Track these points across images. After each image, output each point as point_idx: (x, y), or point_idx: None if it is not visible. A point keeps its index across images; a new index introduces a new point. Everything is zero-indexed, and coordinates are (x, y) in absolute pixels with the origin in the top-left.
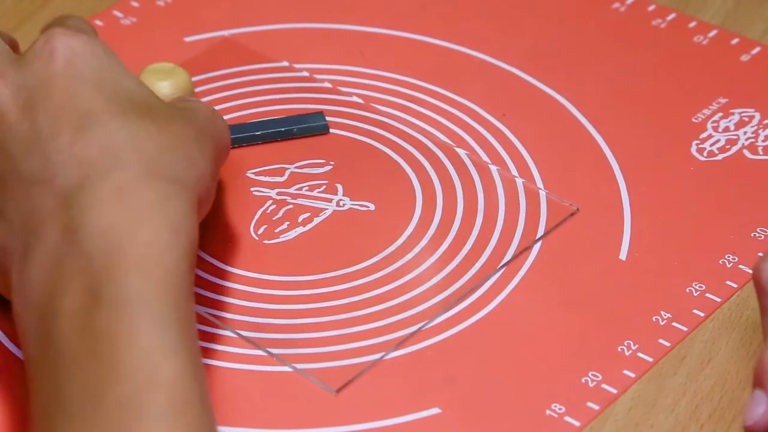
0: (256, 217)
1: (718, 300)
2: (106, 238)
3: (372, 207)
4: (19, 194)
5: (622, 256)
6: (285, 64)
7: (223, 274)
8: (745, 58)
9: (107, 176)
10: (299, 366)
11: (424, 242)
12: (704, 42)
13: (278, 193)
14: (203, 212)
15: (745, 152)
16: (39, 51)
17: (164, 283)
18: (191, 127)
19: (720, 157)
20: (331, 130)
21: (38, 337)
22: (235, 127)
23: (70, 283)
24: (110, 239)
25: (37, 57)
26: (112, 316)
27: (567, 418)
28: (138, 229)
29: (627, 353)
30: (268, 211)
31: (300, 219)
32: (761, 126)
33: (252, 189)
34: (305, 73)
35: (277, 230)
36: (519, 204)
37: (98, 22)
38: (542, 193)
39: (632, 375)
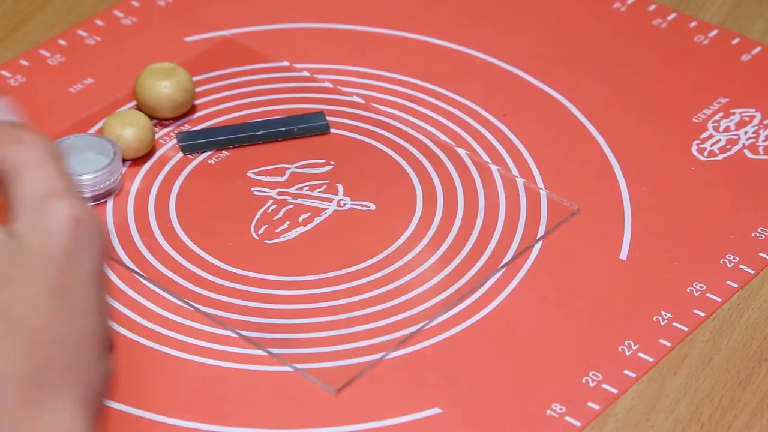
0: (257, 216)
1: (719, 300)
2: None
3: (372, 207)
4: None
5: (623, 256)
6: (285, 64)
7: (223, 274)
8: (745, 58)
9: None
10: (299, 366)
11: (424, 242)
12: (705, 42)
13: (279, 193)
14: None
15: (746, 152)
16: None
17: None
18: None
19: (720, 157)
20: (332, 130)
21: None
22: (235, 127)
23: None
24: None
25: None
26: None
27: (567, 418)
28: None
29: (627, 353)
30: (269, 211)
31: (300, 219)
32: (762, 126)
33: (252, 189)
34: (305, 73)
35: (277, 230)
36: (519, 204)
37: (98, 22)
38: (543, 193)
39: (633, 375)
